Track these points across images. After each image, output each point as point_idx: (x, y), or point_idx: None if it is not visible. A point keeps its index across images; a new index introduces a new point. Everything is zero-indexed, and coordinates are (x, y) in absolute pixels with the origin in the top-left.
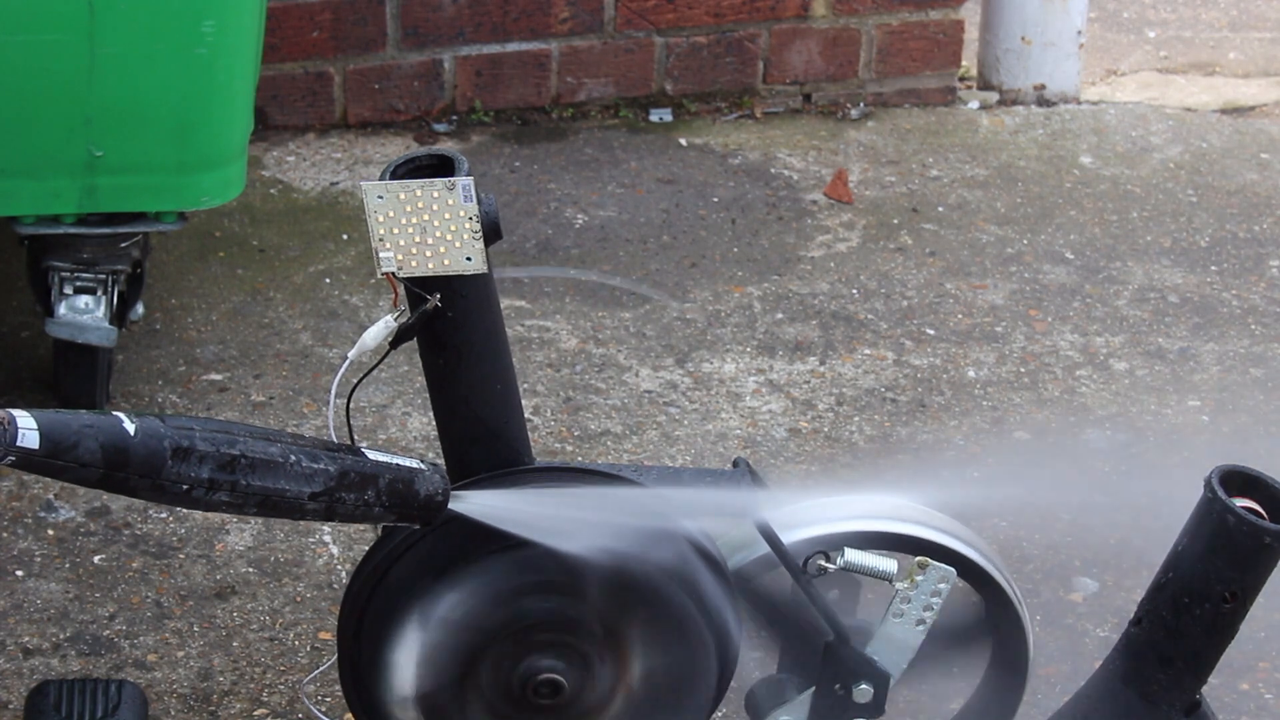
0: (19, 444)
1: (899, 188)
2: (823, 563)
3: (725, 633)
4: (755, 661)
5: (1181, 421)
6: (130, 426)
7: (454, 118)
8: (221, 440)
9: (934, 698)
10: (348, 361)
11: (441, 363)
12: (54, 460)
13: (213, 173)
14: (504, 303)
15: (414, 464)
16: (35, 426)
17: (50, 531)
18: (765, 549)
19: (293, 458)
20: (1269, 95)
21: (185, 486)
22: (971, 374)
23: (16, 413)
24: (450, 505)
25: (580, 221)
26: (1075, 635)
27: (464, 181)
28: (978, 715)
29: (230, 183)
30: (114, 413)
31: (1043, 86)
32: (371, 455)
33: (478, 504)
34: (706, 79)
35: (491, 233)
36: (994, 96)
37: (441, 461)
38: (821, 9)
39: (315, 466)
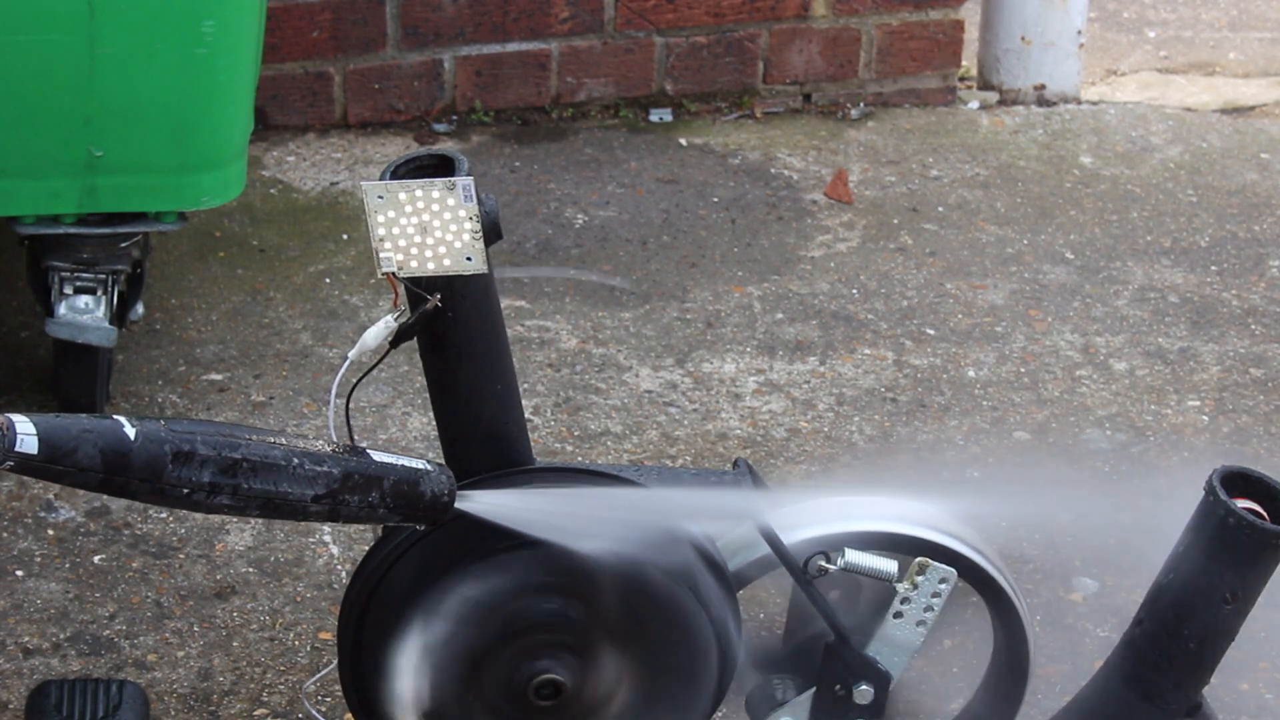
0: (17, 449)
1: (899, 188)
2: (823, 563)
3: (726, 634)
4: (755, 661)
5: (1181, 421)
6: (131, 431)
7: (454, 118)
8: (223, 444)
9: (934, 698)
10: (348, 361)
11: (442, 363)
12: (53, 465)
13: (213, 173)
14: (504, 303)
15: (419, 464)
16: (34, 431)
17: (50, 531)
18: (766, 550)
19: (295, 460)
20: (1269, 95)
21: (186, 490)
22: (971, 374)
23: (15, 417)
24: (456, 505)
25: (580, 221)
26: (1075, 635)
27: (464, 181)
28: (978, 716)
29: (230, 183)
30: (115, 416)
31: (1043, 86)
32: (376, 456)
33: (483, 503)
34: (706, 79)
35: (492, 233)
36: (994, 96)
37: (442, 461)
38: (821, 9)
39: (318, 469)
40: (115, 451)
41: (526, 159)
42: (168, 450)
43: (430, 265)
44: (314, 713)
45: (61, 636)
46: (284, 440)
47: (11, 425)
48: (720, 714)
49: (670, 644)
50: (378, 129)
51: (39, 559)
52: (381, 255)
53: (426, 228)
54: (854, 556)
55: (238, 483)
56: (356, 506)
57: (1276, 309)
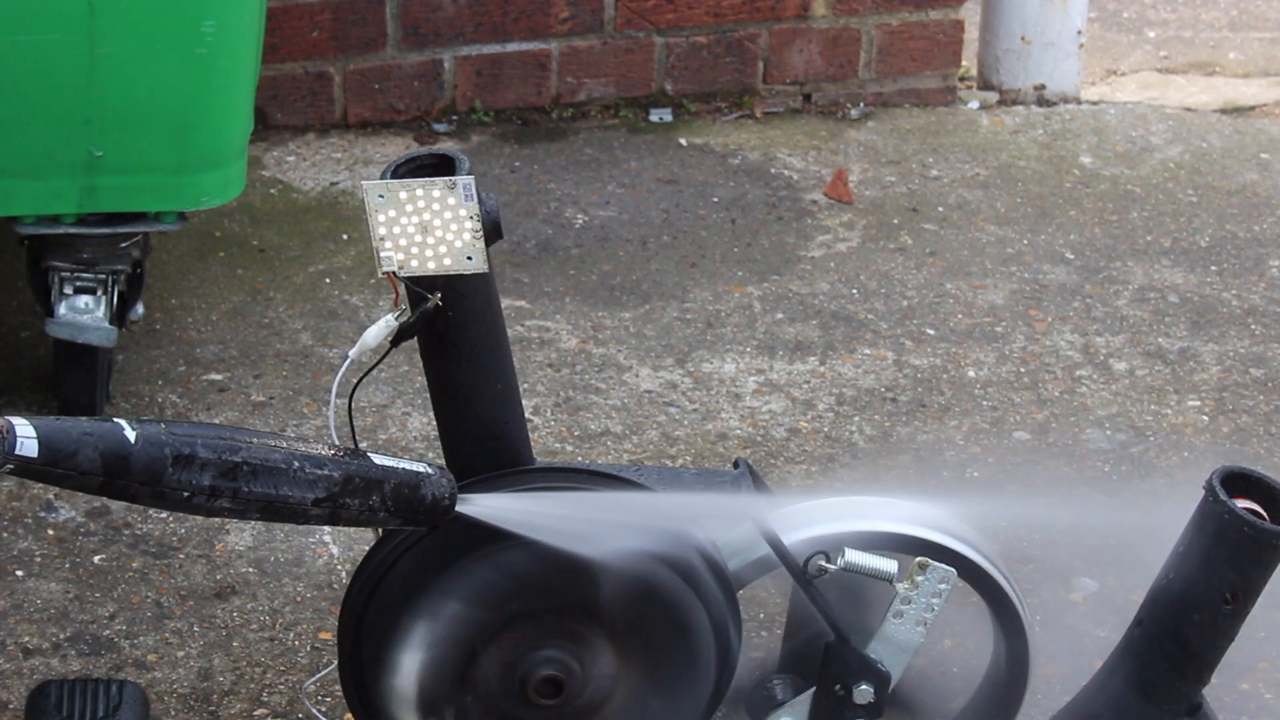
0: (17, 452)
1: (899, 188)
2: (823, 563)
3: (726, 633)
4: (755, 661)
5: (1181, 421)
6: (131, 434)
7: (454, 118)
8: (224, 447)
9: (934, 698)
10: (348, 361)
11: (442, 363)
12: (53, 468)
13: (213, 173)
14: (504, 303)
15: (419, 467)
16: (34, 434)
17: (50, 531)
18: (766, 550)
19: (296, 464)
20: (1269, 95)
21: (186, 493)
22: (971, 374)
23: (15, 420)
24: (457, 508)
25: (580, 221)
26: (1075, 635)
27: (465, 181)
28: (978, 715)
29: (230, 183)
30: (115, 419)
31: (1043, 86)
32: (377, 459)
33: (484, 507)
34: (706, 79)
35: (492, 232)
36: (994, 96)
37: (442, 462)
38: (821, 9)
39: (319, 472)
40: (115, 454)
41: (526, 159)
42: (168, 453)
43: (431, 265)
44: (314, 713)
45: (61, 636)
46: (284, 443)
47: (11, 428)
48: (720, 714)
49: (670, 644)
50: (378, 129)
51: (39, 559)
52: (382, 255)
53: (427, 227)
54: (854, 556)
55: (238, 486)
56: (357, 510)
57: (1276, 309)
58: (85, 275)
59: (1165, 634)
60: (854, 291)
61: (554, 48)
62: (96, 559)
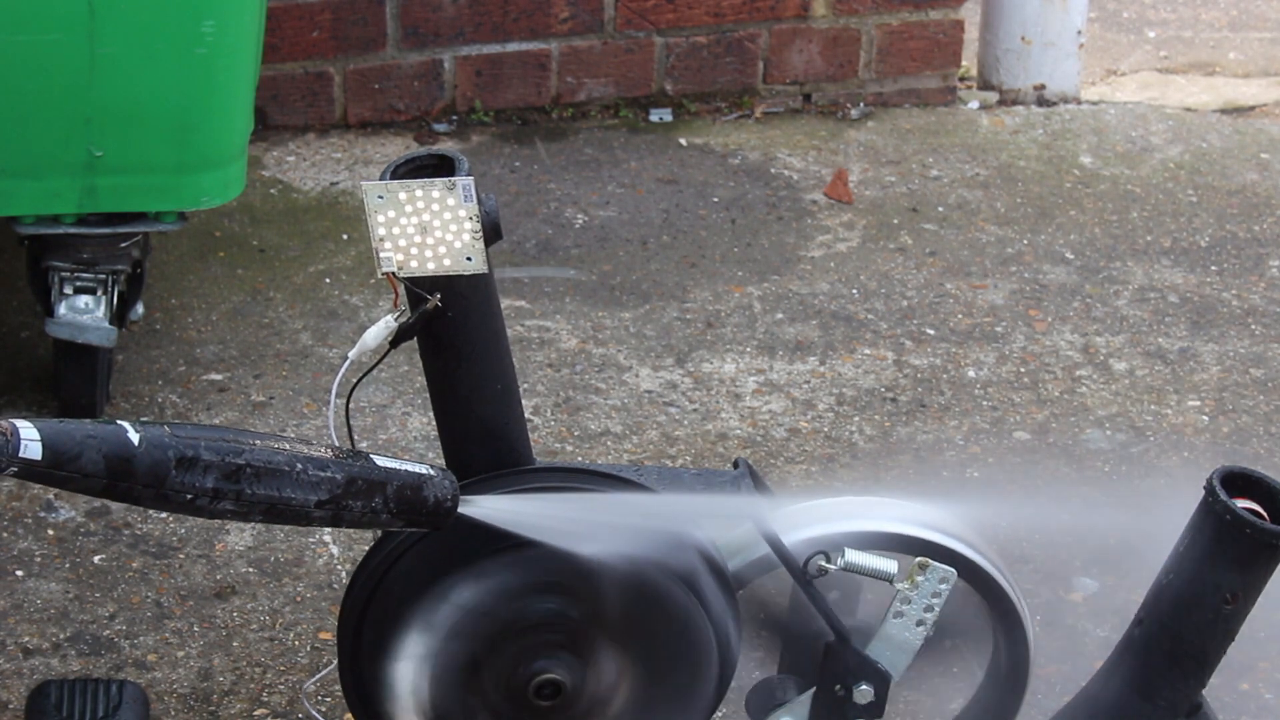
0: (21, 455)
1: (899, 188)
2: (823, 563)
3: (726, 634)
4: (755, 661)
5: (1181, 421)
6: (134, 437)
7: (454, 118)
8: (227, 449)
9: (934, 698)
10: (348, 361)
11: (442, 363)
12: (56, 471)
13: (213, 173)
14: (504, 303)
15: (422, 469)
16: (38, 437)
17: (50, 531)
18: (766, 550)
19: (299, 466)
20: (1269, 95)
21: (190, 496)
22: (971, 374)
23: (19, 423)
24: (460, 509)
25: (580, 221)
26: (1075, 635)
27: (464, 181)
28: (978, 716)
29: (230, 183)
30: (119, 422)
31: (1043, 86)
32: (379, 461)
33: (486, 508)
34: (706, 79)
35: (492, 233)
36: (994, 96)
37: (442, 463)
38: (821, 9)
39: (322, 474)
40: (119, 457)
41: (526, 159)
42: (171, 456)
43: (430, 265)
44: (314, 713)
45: (61, 636)
46: (287, 445)
47: (15, 431)
48: (720, 714)
49: (670, 644)
50: (378, 129)
51: (39, 559)
52: (382, 255)
53: (427, 228)
54: (854, 556)
55: (241, 488)
56: (359, 512)
57: (1276, 309)
58: (85, 275)
59: (1165, 634)
60: (854, 291)
61: (554, 48)
62: (96, 559)
